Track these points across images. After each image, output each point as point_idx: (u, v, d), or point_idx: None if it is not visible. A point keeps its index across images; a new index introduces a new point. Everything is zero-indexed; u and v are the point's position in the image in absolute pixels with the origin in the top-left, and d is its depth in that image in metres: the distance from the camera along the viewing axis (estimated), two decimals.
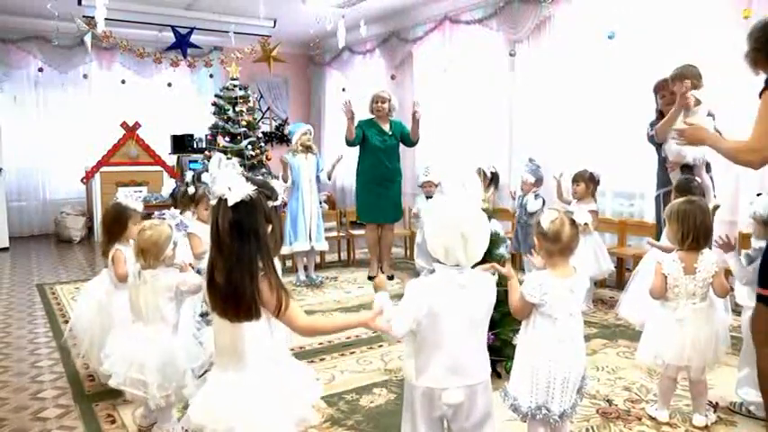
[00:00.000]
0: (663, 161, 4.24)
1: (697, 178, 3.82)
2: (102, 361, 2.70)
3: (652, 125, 4.34)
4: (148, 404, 2.57)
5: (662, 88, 4.26)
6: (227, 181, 1.77)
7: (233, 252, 1.77)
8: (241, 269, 1.76)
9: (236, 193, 1.76)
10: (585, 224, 4.22)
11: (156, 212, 2.98)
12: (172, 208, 4.56)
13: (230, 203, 1.76)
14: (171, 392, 2.56)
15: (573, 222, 2.17)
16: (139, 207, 2.95)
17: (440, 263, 1.95)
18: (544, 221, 2.16)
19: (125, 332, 2.69)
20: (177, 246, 2.69)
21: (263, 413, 1.80)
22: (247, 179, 1.82)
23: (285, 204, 6.57)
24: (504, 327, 3.24)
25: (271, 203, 1.86)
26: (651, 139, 4.34)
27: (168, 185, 8.48)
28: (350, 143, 5.81)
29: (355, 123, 5.78)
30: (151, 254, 2.58)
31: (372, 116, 5.89)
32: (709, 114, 3.90)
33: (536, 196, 5.04)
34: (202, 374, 2.31)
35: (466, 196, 1.96)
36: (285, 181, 5.79)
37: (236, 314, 1.80)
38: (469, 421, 1.97)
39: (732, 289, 3.04)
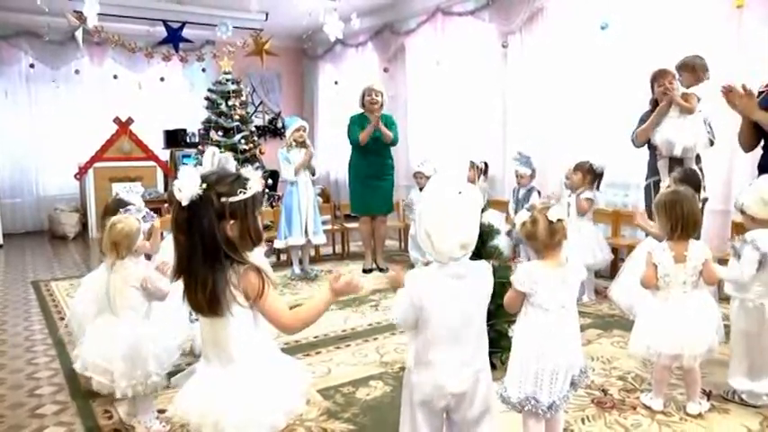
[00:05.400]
0: (654, 149, 4.25)
1: (692, 167, 3.83)
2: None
3: (642, 120, 4.34)
4: (115, 393, 2.61)
5: (660, 77, 4.25)
6: (179, 182, 1.77)
7: (186, 249, 1.79)
8: (196, 266, 1.78)
9: (185, 193, 1.75)
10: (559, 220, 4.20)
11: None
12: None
13: (183, 204, 1.76)
14: (137, 382, 2.59)
15: (547, 219, 2.14)
16: (139, 202, 2.96)
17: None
18: (518, 225, 2.19)
19: (97, 321, 2.75)
20: (144, 236, 2.77)
21: (249, 406, 1.80)
22: (206, 175, 1.80)
23: (279, 198, 6.54)
24: (499, 318, 3.25)
25: (236, 198, 1.80)
26: (633, 142, 4.38)
27: None
28: (355, 143, 5.78)
29: (351, 120, 5.80)
30: (123, 246, 2.65)
31: (363, 110, 5.84)
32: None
33: (529, 189, 5.23)
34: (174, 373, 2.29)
35: (445, 184, 1.95)
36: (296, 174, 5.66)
37: (209, 309, 1.81)
38: (472, 410, 1.96)
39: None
